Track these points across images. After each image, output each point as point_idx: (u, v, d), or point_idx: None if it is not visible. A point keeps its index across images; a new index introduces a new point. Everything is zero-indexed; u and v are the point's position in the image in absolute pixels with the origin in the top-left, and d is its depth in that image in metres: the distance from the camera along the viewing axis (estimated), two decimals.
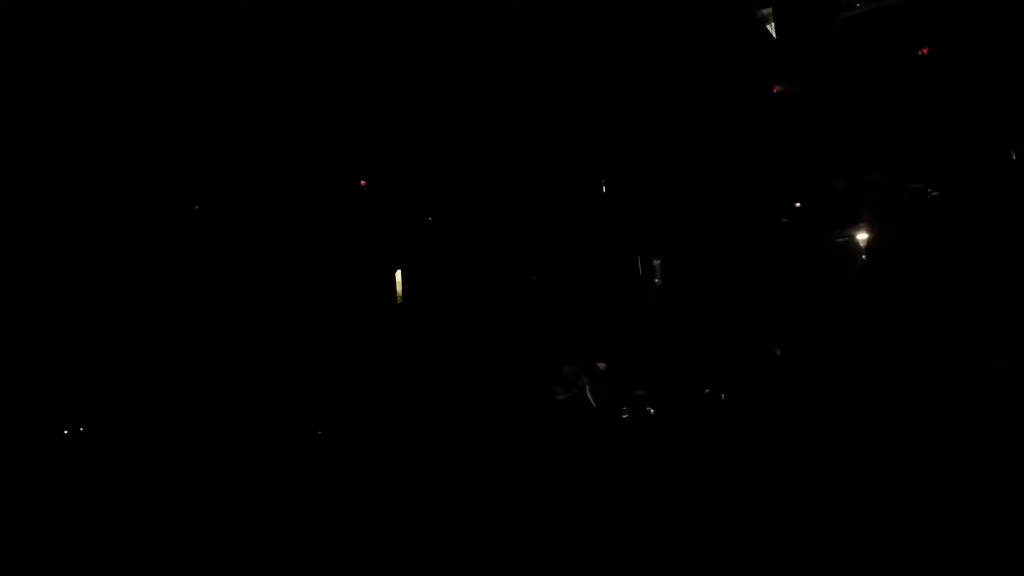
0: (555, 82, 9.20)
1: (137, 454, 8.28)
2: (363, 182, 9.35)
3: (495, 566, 6.80)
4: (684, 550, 6.85)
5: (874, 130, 9.08)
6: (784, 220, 9.44)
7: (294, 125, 8.94)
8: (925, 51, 9.10)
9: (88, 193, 8.76)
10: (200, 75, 8.67)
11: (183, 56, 8.71)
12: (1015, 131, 8.70)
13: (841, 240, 9.18)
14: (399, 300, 9.29)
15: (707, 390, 8.69)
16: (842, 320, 8.81)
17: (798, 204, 9.46)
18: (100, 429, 8.50)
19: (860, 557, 6.29)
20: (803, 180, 9.46)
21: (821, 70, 9.33)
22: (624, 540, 6.97)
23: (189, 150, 8.70)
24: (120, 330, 8.72)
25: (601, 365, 8.49)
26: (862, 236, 9.13)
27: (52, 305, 8.63)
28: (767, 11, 9.56)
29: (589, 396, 7.65)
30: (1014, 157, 8.64)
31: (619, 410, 7.85)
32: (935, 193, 8.99)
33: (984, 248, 8.50)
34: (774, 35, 9.37)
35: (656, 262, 9.29)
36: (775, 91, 9.39)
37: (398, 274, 9.27)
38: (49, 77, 8.58)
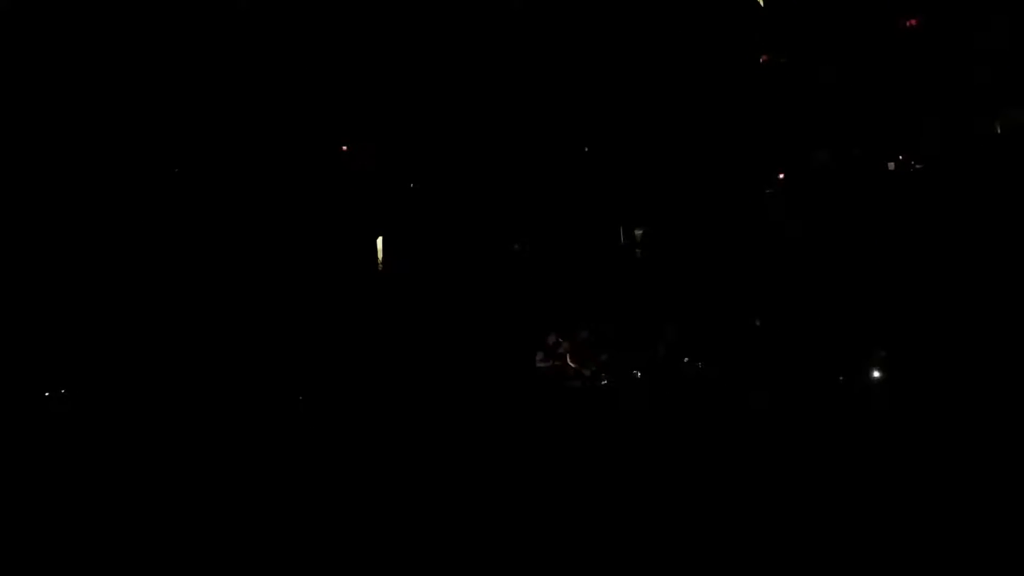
0: (537, 50, 9.12)
1: (110, 439, 8.22)
2: (344, 147, 9.26)
3: (482, 538, 6.81)
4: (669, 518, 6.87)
5: (860, 101, 9.04)
6: (768, 191, 9.40)
7: (278, 94, 8.87)
8: (913, 22, 9.07)
9: (73, 172, 8.68)
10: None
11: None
12: (1002, 101, 8.66)
13: (824, 210, 9.14)
14: (380, 267, 9.22)
15: (686, 359, 8.70)
16: (825, 290, 8.83)
17: (782, 175, 9.41)
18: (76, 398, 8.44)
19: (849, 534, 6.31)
20: (787, 150, 9.42)
21: (808, 39, 9.27)
22: (611, 510, 6.99)
23: (168, 112, 8.61)
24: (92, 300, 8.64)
25: (583, 333, 8.50)
26: (846, 208, 9.10)
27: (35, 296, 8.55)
28: None
29: (570, 363, 7.66)
30: (998, 130, 8.62)
31: (600, 377, 7.86)
32: (919, 166, 8.96)
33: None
34: (761, 3, 9.32)
35: (638, 231, 9.25)
36: (761, 61, 9.32)
37: (379, 241, 9.20)
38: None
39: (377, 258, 9.13)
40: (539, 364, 7.91)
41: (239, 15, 8.60)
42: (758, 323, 9.02)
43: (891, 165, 8.97)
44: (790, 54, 9.32)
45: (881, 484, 7.43)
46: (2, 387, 8.13)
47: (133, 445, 8.06)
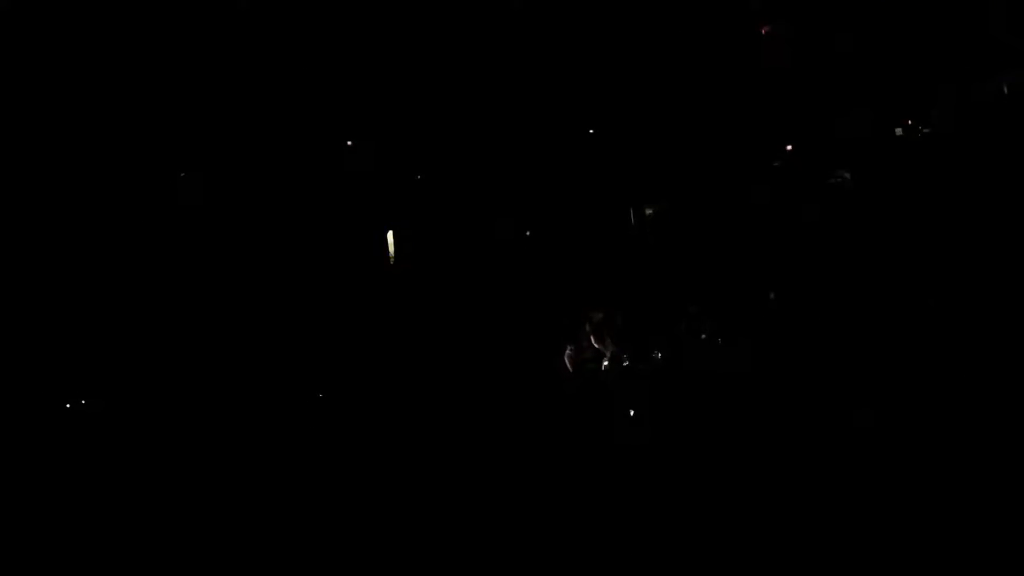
0: (538, 34, 9.06)
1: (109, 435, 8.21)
2: (348, 142, 9.20)
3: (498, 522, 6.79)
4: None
5: (864, 69, 8.99)
6: (776, 164, 9.37)
7: (281, 93, 8.81)
8: None
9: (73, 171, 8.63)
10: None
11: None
12: (1006, 64, 8.63)
13: (835, 181, 9.12)
14: (391, 261, 9.19)
15: (703, 335, 8.69)
16: (838, 262, 8.81)
17: (789, 147, 9.38)
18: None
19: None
20: (794, 123, 9.38)
21: (810, 9, 9.21)
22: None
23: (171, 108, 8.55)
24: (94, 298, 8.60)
25: (598, 315, 8.50)
26: (855, 176, 9.08)
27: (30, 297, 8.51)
28: None
29: (594, 344, 7.68)
30: (1006, 91, 8.59)
31: (620, 358, 7.86)
32: (926, 130, 8.93)
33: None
34: None
35: (648, 211, 9.23)
36: (763, 32, 9.26)
37: (390, 235, 9.17)
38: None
39: (389, 252, 9.11)
40: (566, 352, 7.91)
41: (240, 16, 8.54)
42: (772, 296, 9.01)
43: (898, 131, 8.96)
44: (791, 23, 9.27)
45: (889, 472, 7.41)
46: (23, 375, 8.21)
47: (142, 441, 8.11)
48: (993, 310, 8.01)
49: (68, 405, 8.41)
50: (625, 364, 7.94)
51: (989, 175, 8.59)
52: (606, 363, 7.89)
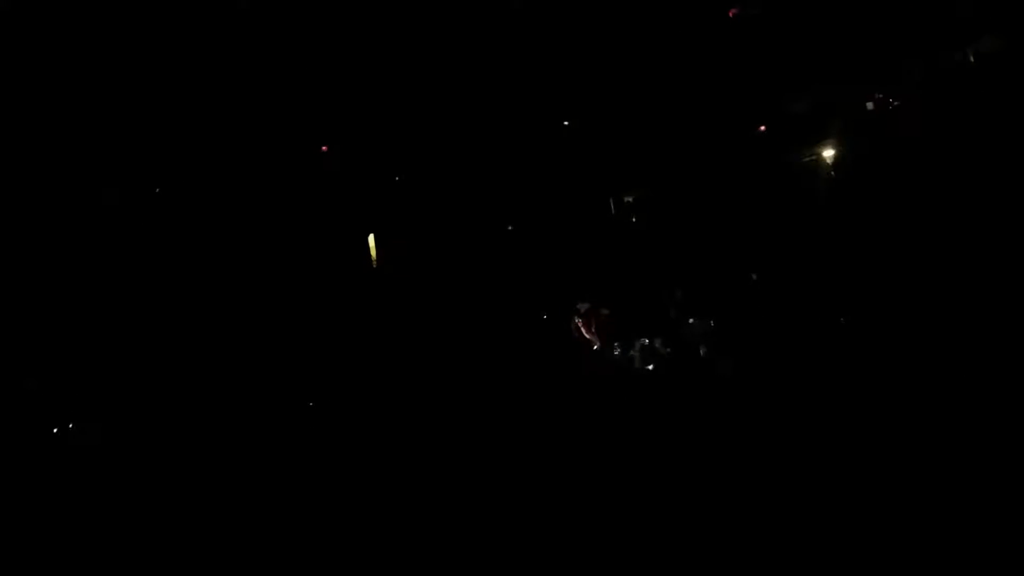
0: (518, 33, 9.05)
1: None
2: (324, 147, 9.14)
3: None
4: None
5: (832, 46, 9.07)
6: (749, 145, 9.44)
7: (261, 102, 8.75)
8: None
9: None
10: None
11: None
12: (971, 35, 8.75)
13: (808, 160, 9.21)
14: (374, 265, 9.15)
15: (691, 320, 8.75)
16: (816, 241, 8.90)
17: (762, 127, 9.45)
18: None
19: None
20: (764, 103, 9.45)
21: None
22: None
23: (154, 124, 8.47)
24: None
25: (583, 306, 8.53)
26: (828, 153, 9.18)
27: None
28: None
29: (585, 335, 7.73)
30: (971, 59, 8.70)
31: (612, 348, 7.92)
32: (896, 103, 9.04)
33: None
34: None
35: (628, 199, 9.27)
36: (730, 15, 9.31)
37: (371, 238, 9.12)
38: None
39: (371, 255, 9.07)
40: (552, 340, 7.94)
41: (220, 30, 8.47)
42: (754, 278, 9.10)
43: (869, 105, 9.06)
44: (758, 5, 9.33)
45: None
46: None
47: (137, 447, 8.11)
48: (971, 293, 8.12)
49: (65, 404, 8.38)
50: (616, 353, 7.99)
51: (961, 151, 8.70)
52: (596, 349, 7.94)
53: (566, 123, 9.27)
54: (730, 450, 6.77)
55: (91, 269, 8.60)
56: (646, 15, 9.21)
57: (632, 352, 7.89)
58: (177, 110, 8.55)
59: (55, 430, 8.28)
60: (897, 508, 5.98)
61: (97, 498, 7.71)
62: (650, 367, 7.86)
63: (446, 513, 6.97)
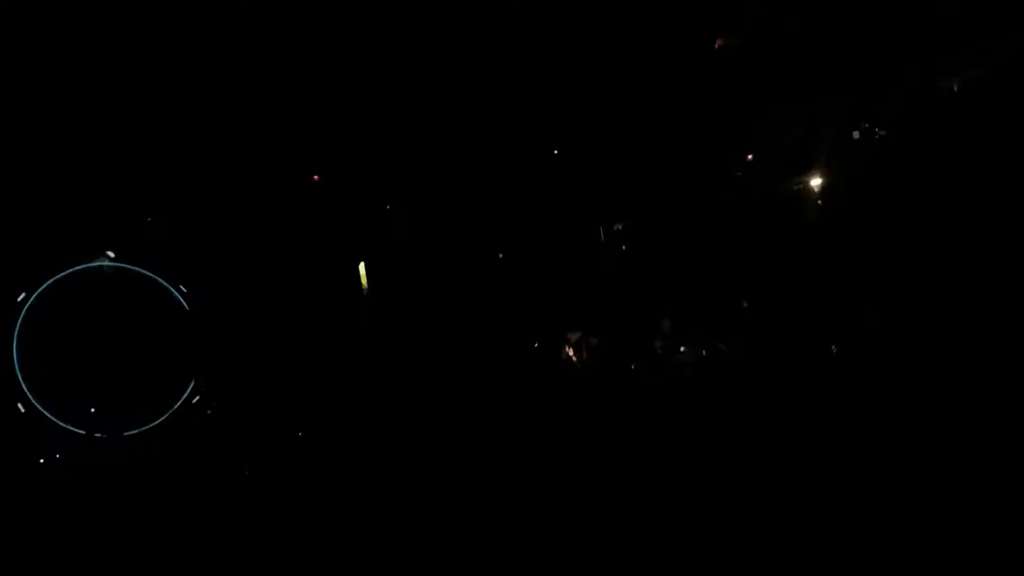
0: (502, 53, 9.13)
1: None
2: (315, 176, 9.19)
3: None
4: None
5: (819, 77, 9.16)
6: (738, 173, 9.52)
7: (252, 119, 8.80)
8: None
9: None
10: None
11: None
12: (957, 62, 8.84)
13: (796, 188, 9.28)
14: (365, 292, 9.18)
15: (682, 348, 8.79)
16: (806, 266, 8.96)
17: (750, 156, 9.54)
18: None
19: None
20: (751, 132, 9.55)
21: (761, 20, 9.38)
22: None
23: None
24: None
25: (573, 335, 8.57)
26: (816, 181, 9.25)
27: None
28: None
29: (572, 358, 7.75)
30: (955, 88, 8.79)
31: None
32: (883, 132, 9.11)
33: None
34: None
35: (618, 226, 9.32)
36: (717, 45, 9.42)
37: (362, 266, 9.16)
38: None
39: (362, 283, 9.10)
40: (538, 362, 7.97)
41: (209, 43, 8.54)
42: (745, 304, 9.15)
43: (856, 134, 9.13)
44: (744, 36, 9.43)
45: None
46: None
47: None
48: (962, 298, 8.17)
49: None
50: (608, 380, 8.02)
51: (944, 173, 8.77)
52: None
53: (555, 152, 9.35)
54: (718, 472, 6.80)
55: (93, 274, 8.64)
56: (638, 46, 9.32)
57: (626, 377, 7.93)
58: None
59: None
60: (891, 521, 6.01)
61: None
62: (642, 393, 7.90)
63: (438, 524, 7.00)
